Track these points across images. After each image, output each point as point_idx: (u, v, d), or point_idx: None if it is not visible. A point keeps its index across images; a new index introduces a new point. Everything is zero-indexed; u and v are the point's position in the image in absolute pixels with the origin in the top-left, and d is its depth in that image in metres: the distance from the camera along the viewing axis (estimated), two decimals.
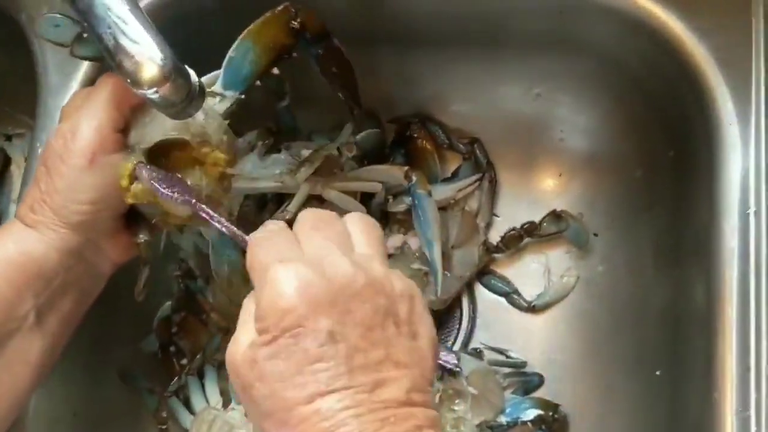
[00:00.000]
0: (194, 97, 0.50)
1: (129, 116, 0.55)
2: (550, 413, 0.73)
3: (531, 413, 0.73)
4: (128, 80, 0.47)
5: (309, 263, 0.41)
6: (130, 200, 0.55)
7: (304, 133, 0.79)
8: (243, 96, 0.57)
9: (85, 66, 0.66)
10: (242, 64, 0.57)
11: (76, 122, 0.53)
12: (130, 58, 0.47)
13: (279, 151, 0.74)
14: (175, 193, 0.54)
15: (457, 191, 0.78)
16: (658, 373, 0.67)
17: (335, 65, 0.65)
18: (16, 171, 0.87)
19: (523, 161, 0.80)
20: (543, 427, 0.73)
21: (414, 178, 0.74)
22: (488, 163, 0.80)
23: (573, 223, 0.79)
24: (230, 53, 0.57)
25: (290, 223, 0.71)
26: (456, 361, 0.51)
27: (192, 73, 0.50)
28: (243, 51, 0.57)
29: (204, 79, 0.56)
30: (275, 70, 0.59)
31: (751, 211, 0.58)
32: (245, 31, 0.57)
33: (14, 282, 0.53)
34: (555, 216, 0.79)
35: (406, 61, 0.76)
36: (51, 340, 0.56)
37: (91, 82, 0.66)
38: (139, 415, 0.74)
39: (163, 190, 0.54)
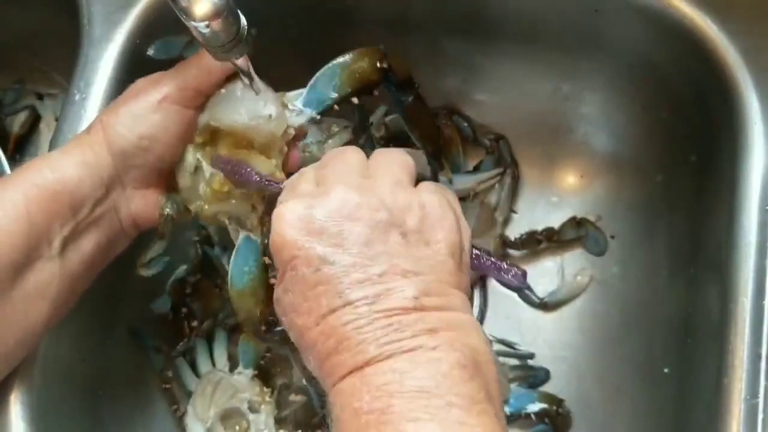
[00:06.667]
0: (241, 39, 0.51)
1: (214, 87, 0.56)
2: (554, 408, 0.73)
3: (535, 406, 0.73)
4: (182, 13, 0.49)
5: (303, 198, 0.44)
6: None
7: None
8: (319, 116, 0.59)
9: (130, 18, 0.67)
10: (326, 87, 0.58)
11: (165, 72, 0.56)
12: None
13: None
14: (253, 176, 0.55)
15: (478, 183, 0.79)
16: (666, 370, 0.68)
17: (421, 118, 0.67)
18: (45, 129, 0.89)
19: (546, 159, 0.81)
20: (546, 420, 0.73)
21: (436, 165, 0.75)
22: (512, 161, 0.81)
23: (592, 231, 0.80)
24: (317, 75, 0.59)
25: None
26: (522, 277, 0.48)
27: (242, 17, 0.52)
28: (329, 76, 0.58)
29: (289, 94, 0.59)
30: (355, 100, 0.60)
31: None
32: (337, 58, 0.58)
33: (47, 209, 0.53)
34: (575, 222, 0.80)
35: (437, 50, 0.78)
36: (69, 281, 0.56)
37: (135, 35, 0.67)
38: (143, 371, 0.74)
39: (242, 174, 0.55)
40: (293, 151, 0.59)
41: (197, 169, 0.58)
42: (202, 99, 0.56)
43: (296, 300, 0.42)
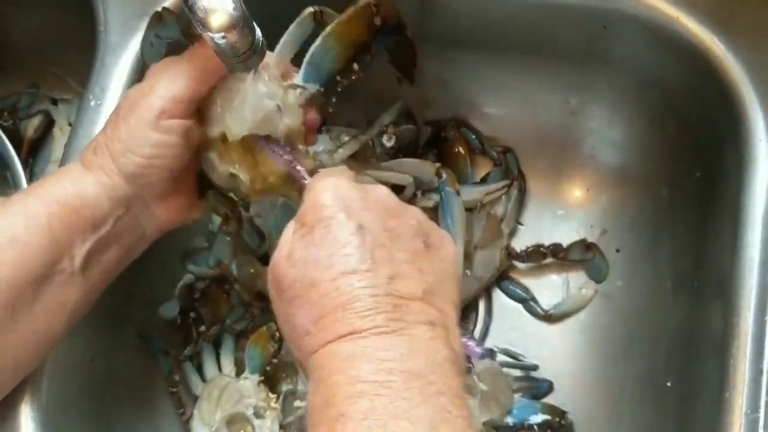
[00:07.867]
0: (256, 50, 0.53)
1: (207, 92, 0.56)
2: (557, 419, 0.73)
3: (538, 417, 0.73)
4: (199, 24, 0.50)
5: (353, 184, 0.47)
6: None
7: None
8: (322, 90, 0.59)
9: (146, 26, 0.68)
10: (324, 59, 0.59)
11: (157, 80, 0.55)
12: (203, 3, 0.49)
13: (320, 132, 0.77)
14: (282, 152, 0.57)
15: (485, 194, 0.80)
16: (669, 384, 0.68)
17: (405, 57, 0.68)
18: (58, 134, 0.90)
19: (553, 172, 0.82)
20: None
21: (444, 176, 0.75)
22: (519, 173, 0.82)
23: (597, 258, 0.80)
24: (312, 48, 0.59)
25: None
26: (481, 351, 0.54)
27: (258, 29, 0.53)
28: (326, 47, 0.59)
29: None
30: (355, 66, 0.61)
31: None
32: (328, 28, 0.58)
33: (68, 224, 0.53)
34: (584, 245, 0.80)
35: (446, 62, 0.79)
36: (88, 292, 0.56)
37: None
38: (151, 374, 0.75)
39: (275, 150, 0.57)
40: (310, 116, 0.59)
41: (232, 175, 0.58)
42: (195, 106, 0.56)
43: (320, 254, 0.44)
